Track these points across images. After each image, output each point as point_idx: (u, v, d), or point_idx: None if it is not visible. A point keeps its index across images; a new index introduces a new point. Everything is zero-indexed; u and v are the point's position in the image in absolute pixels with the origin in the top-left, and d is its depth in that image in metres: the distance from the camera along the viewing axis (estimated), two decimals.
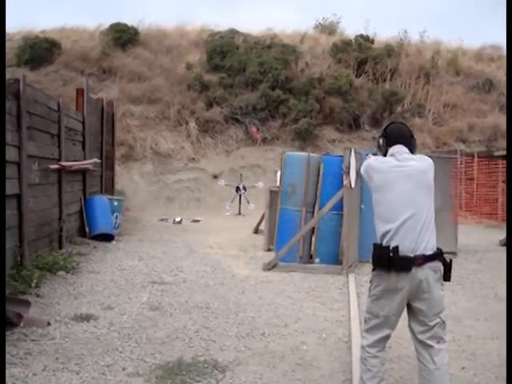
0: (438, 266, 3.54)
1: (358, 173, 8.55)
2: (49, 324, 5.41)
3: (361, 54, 23.97)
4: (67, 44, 23.59)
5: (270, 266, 8.68)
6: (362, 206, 9.27)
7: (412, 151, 3.73)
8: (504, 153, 14.99)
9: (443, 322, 3.57)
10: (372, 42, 25.27)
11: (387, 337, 3.65)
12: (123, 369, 4.36)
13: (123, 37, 23.69)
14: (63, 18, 43.96)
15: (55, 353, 4.66)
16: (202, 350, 4.86)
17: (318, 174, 9.29)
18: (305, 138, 21.09)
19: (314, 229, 9.21)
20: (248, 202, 17.37)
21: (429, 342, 3.52)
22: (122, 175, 18.74)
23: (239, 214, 17.21)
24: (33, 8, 39.47)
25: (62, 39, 23.73)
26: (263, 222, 11.55)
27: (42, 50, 22.24)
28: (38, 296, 6.38)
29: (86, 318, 5.68)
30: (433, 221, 3.57)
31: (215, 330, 5.46)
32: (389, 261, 3.45)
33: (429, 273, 3.48)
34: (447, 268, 3.54)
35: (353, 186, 8.62)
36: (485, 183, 18.20)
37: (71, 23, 26.09)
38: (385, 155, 3.75)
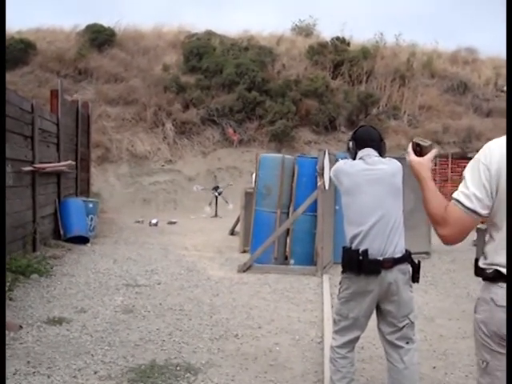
0: (407, 268, 3.58)
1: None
2: (21, 327, 5.37)
3: (337, 57, 24.09)
4: (43, 45, 23.36)
5: (245, 268, 8.70)
6: (337, 207, 9.30)
7: (381, 154, 3.76)
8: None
9: (412, 323, 3.60)
10: (348, 44, 25.43)
11: (356, 338, 3.68)
12: (95, 372, 4.35)
13: (99, 38, 23.53)
14: (39, 19, 43.42)
15: (26, 356, 4.63)
16: (175, 353, 4.86)
17: (293, 176, 9.33)
18: (281, 140, 21.14)
19: (288, 230, 9.25)
20: (226, 202, 17.33)
21: (398, 342, 3.57)
22: (98, 177, 18.63)
23: (216, 215, 17.18)
24: (8, 8, 38.93)
25: (37, 40, 23.49)
26: (239, 224, 11.56)
27: (17, 51, 21.98)
28: (10, 299, 6.31)
29: (59, 321, 5.65)
30: (401, 223, 3.61)
31: (188, 333, 5.46)
32: (358, 264, 3.48)
33: (398, 275, 3.52)
34: (416, 269, 3.58)
35: (327, 187, 8.67)
36: (458, 184, 18.38)
37: (47, 24, 25.84)
38: (354, 158, 3.78)
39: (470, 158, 2.38)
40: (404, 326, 3.56)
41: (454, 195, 2.29)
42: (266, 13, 50.23)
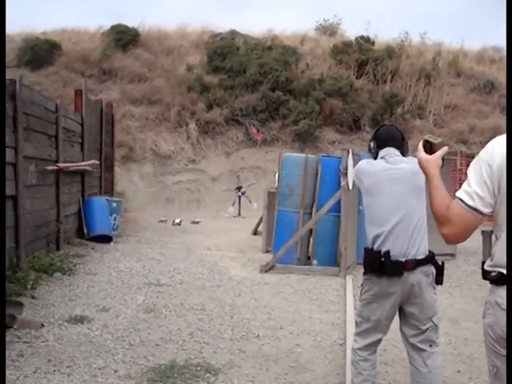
0: (430, 269, 3.50)
1: None
2: (42, 326, 5.40)
3: (361, 56, 23.87)
4: (68, 45, 23.54)
5: (268, 268, 8.65)
6: (360, 208, 9.18)
7: (403, 154, 3.70)
8: None
9: (436, 326, 3.52)
10: (373, 43, 25.18)
11: (378, 341, 3.62)
12: (115, 371, 4.34)
13: (124, 38, 23.62)
14: (64, 20, 43.84)
15: (47, 355, 4.64)
16: (195, 353, 4.84)
17: (316, 176, 9.26)
18: (305, 140, 21.02)
19: (311, 230, 9.18)
20: (250, 202, 17.29)
21: (421, 345, 3.49)
22: (122, 176, 18.71)
23: (239, 215, 17.16)
24: (33, 9, 39.46)
25: (62, 40, 23.67)
26: (262, 224, 11.51)
27: (42, 52, 22.19)
28: (33, 298, 6.36)
29: (81, 319, 5.67)
30: (425, 224, 3.53)
31: (209, 333, 5.43)
32: (380, 265, 3.41)
33: (421, 277, 3.44)
34: (439, 271, 3.49)
35: (350, 187, 8.58)
36: None
37: (72, 25, 26.02)
38: (375, 158, 3.72)
39: None
40: (427, 329, 3.48)
41: (457, 193, 2.25)
42: (290, 12, 50.02)
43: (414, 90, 23.85)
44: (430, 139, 2.55)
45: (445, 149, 2.52)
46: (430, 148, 2.53)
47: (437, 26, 47.08)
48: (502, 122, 22.60)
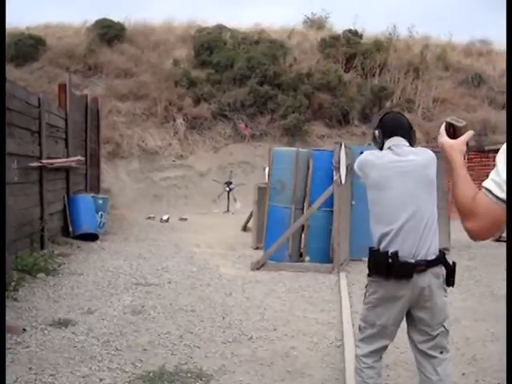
0: (441, 271, 3.22)
1: (348, 168, 8.31)
2: (24, 330, 5.12)
3: (349, 49, 23.69)
4: (52, 40, 23.15)
5: (259, 265, 8.42)
6: (353, 203, 9.03)
7: (411, 144, 3.40)
8: (495, 147, 14.78)
9: (447, 331, 3.25)
10: (361, 37, 25.02)
11: (384, 347, 3.35)
12: (100, 380, 4.08)
13: (109, 33, 23.25)
14: (48, 15, 43.27)
15: (29, 362, 4.37)
16: (186, 358, 4.58)
17: (308, 170, 9.04)
18: (294, 134, 20.81)
19: (303, 226, 8.96)
20: (235, 200, 17.08)
21: (431, 352, 3.22)
22: (109, 173, 18.39)
23: (227, 211, 16.92)
24: (17, 4, 38.89)
25: (47, 36, 23.27)
26: (252, 220, 11.29)
27: (26, 47, 21.80)
28: (15, 300, 6.08)
29: (65, 323, 5.39)
30: (435, 221, 3.25)
31: (200, 336, 5.18)
32: (387, 267, 3.13)
33: (431, 279, 3.17)
34: (450, 272, 3.22)
35: (343, 181, 8.37)
36: (476, 178, 17.97)
37: (56, 19, 25.68)
38: (381, 149, 3.41)
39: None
40: (438, 335, 3.21)
41: (484, 183, 1.95)
42: (278, 6, 49.67)
43: (403, 83, 23.72)
44: (453, 122, 2.26)
45: (470, 133, 2.25)
46: (453, 132, 2.25)
47: (424, 19, 47.04)
48: (491, 114, 22.58)
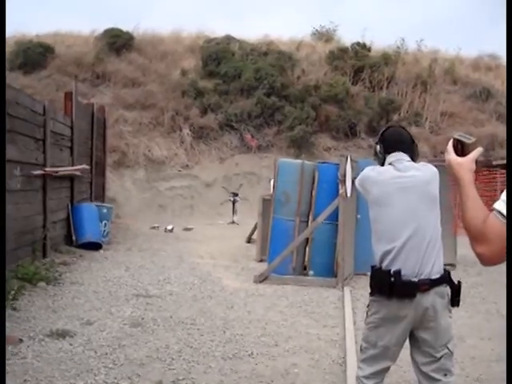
0: (446, 290, 3.11)
1: (353, 181, 8.22)
2: (21, 341, 5.03)
3: (357, 62, 23.69)
4: (61, 49, 23.22)
5: (262, 278, 8.31)
6: (359, 216, 8.91)
7: (414, 159, 3.30)
8: (502, 162, 14.65)
9: (451, 353, 3.13)
10: (369, 49, 25.02)
11: (386, 369, 3.23)
12: None
13: (118, 42, 23.34)
14: (57, 23, 43.46)
15: (24, 374, 4.29)
16: (184, 373, 4.47)
17: (313, 183, 8.95)
18: (300, 146, 20.77)
19: (308, 239, 8.86)
20: (235, 213, 16.99)
21: (434, 374, 3.09)
22: (114, 182, 18.36)
23: (233, 222, 16.84)
24: (27, 12, 39.13)
25: (55, 44, 23.36)
26: (256, 232, 11.19)
27: (35, 55, 21.89)
28: (14, 309, 5.99)
29: (62, 334, 5.30)
30: (439, 238, 3.14)
31: (199, 350, 5.07)
32: (390, 287, 3.03)
33: (435, 299, 3.06)
34: (456, 292, 3.12)
35: (348, 194, 8.27)
36: (483, 193, 17.89)
37: (65, 28, 25.73)
38: (382, 164, 3.32)
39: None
40: (442, 357, 3.08)
41: (495, 205, 1.85)
42: (286, 18, 49.85)
43: (411, 96, 23.69)
44: (461, 138, 2.15)
45: (479, 150, 2.13)
46: (461, 149, 2.14)
47: (433, 33, 47.04)
48: (499, 129, 22.45)
